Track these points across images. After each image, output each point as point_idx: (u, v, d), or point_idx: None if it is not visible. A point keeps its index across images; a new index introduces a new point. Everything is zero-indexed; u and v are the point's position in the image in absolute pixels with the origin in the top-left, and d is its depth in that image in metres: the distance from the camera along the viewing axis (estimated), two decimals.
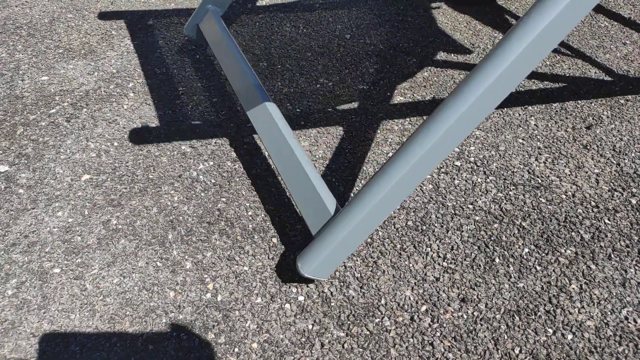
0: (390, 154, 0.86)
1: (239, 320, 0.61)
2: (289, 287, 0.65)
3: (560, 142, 0.89)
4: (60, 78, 1.00)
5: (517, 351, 0.59)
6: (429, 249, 0.70)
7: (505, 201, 0.77)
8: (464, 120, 0.55)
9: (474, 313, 0.63)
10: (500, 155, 0.86)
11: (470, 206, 0.76)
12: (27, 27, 1.16)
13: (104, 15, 1.21)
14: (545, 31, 0.53)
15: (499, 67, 0.54)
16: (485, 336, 0.60)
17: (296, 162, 0.70)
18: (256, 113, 0.80)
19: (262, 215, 0.74)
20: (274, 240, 0.71)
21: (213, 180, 0.80)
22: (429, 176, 0.64)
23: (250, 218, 0.74)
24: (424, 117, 0.94)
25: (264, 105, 0.79)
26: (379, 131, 0.91)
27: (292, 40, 1.15)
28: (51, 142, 0.86)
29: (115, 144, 0.85)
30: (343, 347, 0.59)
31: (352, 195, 0.79)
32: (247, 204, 0.76)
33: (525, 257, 0.69)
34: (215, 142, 0.87)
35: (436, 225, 0.73)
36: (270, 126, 0.76)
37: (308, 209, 0.66)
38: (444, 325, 0.61)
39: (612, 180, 0.81)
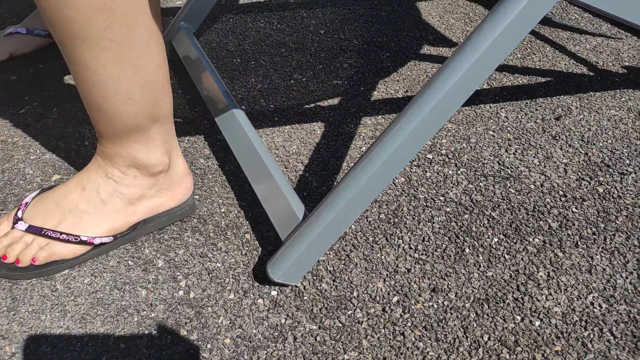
0: (364, 148, 0.87)
1: (211, 316, 0.62)
2: (262, 282, 0.65)
3: (530, 134, 0.90)
4: (29, 77, 0.99)
5: (485, 338, 0.60)
6: (401, 241, 0.71)
7: (475, 192, 0.78)
8: (427, 124, 0.56)
9: (444, 302, 0.64)
10: (471, 148, 0.87)
11: (442, 198, 0.77)
12: None
13: None
14: (512, 24, 0.54)
15: (465, 63, 0.55)
16: (455, 325, 0.61)
17: (264, 169, 0.70)
18: (226, 124, 0.81)
19: (235, 211, 0.75)
20: (247, 236, 0.71)
21: None
22: (401, 169, 0.65)
23: (223, 215, 0.74)
24: (397, 111, 0.95)
25: (234, 116, 0.79)
26: (352, 126, 0.91)
27: (266, 36, 1.14)
28: (20, 143, 0.84)
29: (86, 143, 0.85)
30: (316, 339, 0.60)
31: (325, 189, 0.79)
32: (220, 201, 0.76)
33: (494, 246, 0.71)
34: (188, 140, 0.87)
35: (408, 217, 0.74)
36: (238, 134, 0.77)
37: (277, 215, 0.67)
38: (415, 315, 0.62)
39: (580, 170, 0.83)
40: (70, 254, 0.64)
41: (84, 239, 0.63)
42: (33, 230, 0.63)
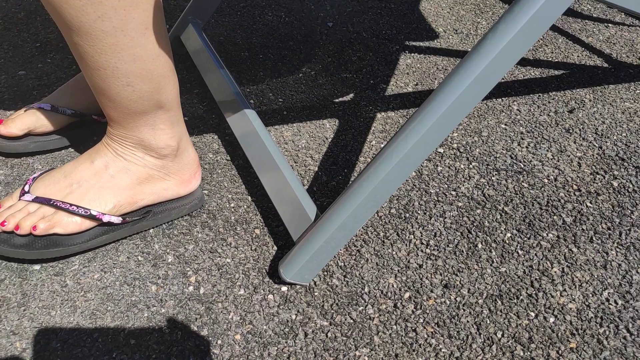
0: (374, 142, 0.86)
1: (221, 312, 0.61)
2: (272, 277, 0.65)
3: (543, 127, 0.89)
4: (37, 72, 0.98)
5: (499, 335, 0.59)
6: (412, 236, 0.70)
7: (488, 187, 0.77)
8: (442, 124, 0.55)
9: (457, 299, 0.63)
10: (483, 141, 0.85)
11: (454, 192, 0.76)
12: (2, 20, 1.13)
13: None
14: (532, 20, 0.52)
15: (482, 63, 0.53)
16: (467, 321, 0.61)
17: (274, 166, 0.70)
18: (235, 120, 0.80)
19: (245, 206, 0.74)
20: (257, 231, 0.71)
21: None
22: (414, 169, 0.64)
23: (232, 210, 0.73)
24: (407, 105, 0.94)
25: (243, 112, 0.79)
26: (362, 119, 0.90)
27: (274, 30, 1.13)
28: None
29: (95, 138, 0.84)
30: (327, 336, 0.59)
31: (334, 184, 0.78)
32: (230, 196, 0.75)
33: (507, 242, 0.69)
34: (196, 134, 0.86)
35: (419, 212, 0.73)
36: (247, 128, 0.76)
37: (289, 215, 0.66)
38: (427, 311, 0.62)
39: (594, 164, 0.82)
40: (75, 228, 0.63)
41: (94, 213, 0.63)
42: (40, 200, 0.63)
